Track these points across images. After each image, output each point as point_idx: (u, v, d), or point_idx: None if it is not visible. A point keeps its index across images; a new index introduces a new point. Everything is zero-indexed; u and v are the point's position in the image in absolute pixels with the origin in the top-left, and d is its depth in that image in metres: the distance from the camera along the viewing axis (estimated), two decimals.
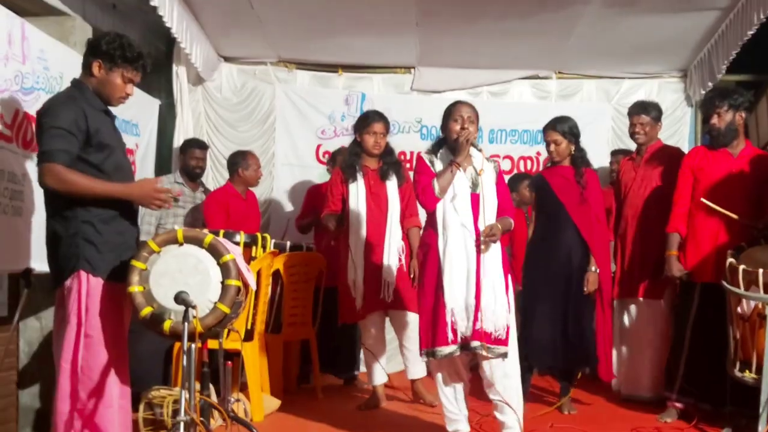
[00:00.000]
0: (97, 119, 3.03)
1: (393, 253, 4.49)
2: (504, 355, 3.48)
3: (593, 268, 4.37)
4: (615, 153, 5.81)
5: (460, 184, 3.56)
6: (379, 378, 4.66)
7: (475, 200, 3.56)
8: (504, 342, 3.48)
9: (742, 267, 3.51)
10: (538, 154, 6.30)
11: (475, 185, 3.58)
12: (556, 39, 5.67)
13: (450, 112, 3.70)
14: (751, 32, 4.83)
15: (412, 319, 4.44)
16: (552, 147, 4.46)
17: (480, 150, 3.69)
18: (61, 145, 2.91)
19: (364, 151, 4.58)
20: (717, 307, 4.00)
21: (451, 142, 3.67)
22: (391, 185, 4.56)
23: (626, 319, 4.79)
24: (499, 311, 3.48)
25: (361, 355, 5.09)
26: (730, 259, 3.65)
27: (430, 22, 5.44)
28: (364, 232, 4.50)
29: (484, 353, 3.44)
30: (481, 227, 3.51)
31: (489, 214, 3.55)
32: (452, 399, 3.63)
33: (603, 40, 5.67)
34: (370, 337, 4.62)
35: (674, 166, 4.39)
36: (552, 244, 4.40)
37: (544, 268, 4.40)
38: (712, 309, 4.06)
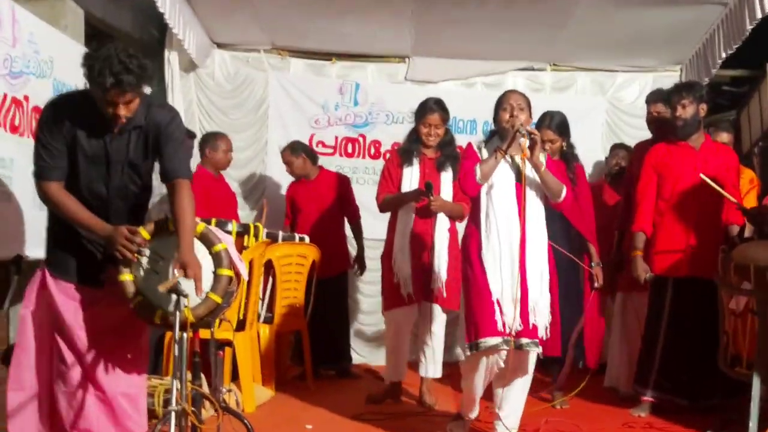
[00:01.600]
0: (85, 133, 2.87)
1: (442, 245, 4.39)
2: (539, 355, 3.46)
3: (597, 262, 4.40)
4: (616, 147, 5.76)
5: (504, 174, 3.49)
6: (393, 375, 4.59)
7: (519, 191, 3.46)
8: (541, 339, 3.44)
9: (734, 263, 3.53)
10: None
11: (519, 174, 3.47)
12: (551, 30, 5.65)
13: (500, 102, 3.63)
14: (752, 26, 4.82)
15: (444, 316, 4.44)
16: (547, 146, 4.38)
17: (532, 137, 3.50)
18: (48, 159, 2.86)
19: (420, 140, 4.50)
20: (691, 301, 4.05)
21: (501, 132, 3.58)
22: (446, 177, 4.47)
23: (628, 316, 4.79)
24: (542, 306, 3.45)
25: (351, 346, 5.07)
26: (723, 255, 3.67)
27: (424, 12, 5.41)
28: (412, 220, 4.43)
29: (531, 349, 3.39)
30: (528, 217, 3.42)
31: (534, 206, 3.48)
32: (478, 393, 3.58)
33: (598, 33, 5.65)
34: (396, 330, 4.50)
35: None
36: None
37: None
38: (687, 304, 4.11)
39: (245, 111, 6.26)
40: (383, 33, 5.87)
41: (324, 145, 6.24)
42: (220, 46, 6.22)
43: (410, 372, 4.75)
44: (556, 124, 4.45)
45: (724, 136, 4.83)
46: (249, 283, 4.23)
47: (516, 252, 3.40)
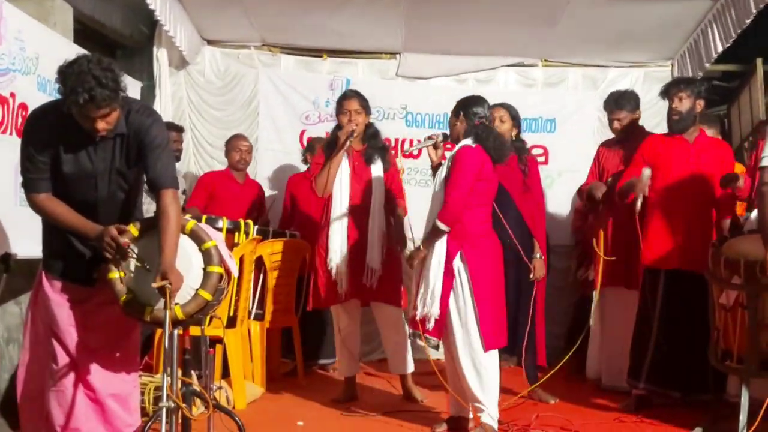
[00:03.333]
0: (68, 145, 2.86)
1: (376, 239, 4.34)
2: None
3: (539, 255, 4.38)
4: None
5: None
6: (351, 369, 4.54)
7: None
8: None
9: (724, 257, 3.53)
10: (523, 142, 6.28)
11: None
12: (542, 26, 5.65)
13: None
14: (749, 20, 4.83)
15: (397, 313, 4.42)
16: (496, 123, 4.35)
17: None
18: (34, 172, 2.87)
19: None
20: (683, 294, 4.06)
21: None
22: (376, 168, 4.42)
23: (609, 309, 4.80)
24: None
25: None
26: (713, 249, 3.67)
27: (415, 8, 5.40)
28: (347, 214, 4.35)
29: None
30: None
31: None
32: None
33: (589, 28, 5.65)
34: (344, 325, 4.47)
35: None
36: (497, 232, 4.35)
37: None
38: (679, 296, 4.12)
39: (235, 108, 6.24)
40: (374, 29, 5.86)
41: (308, 143, 6.22)
42: (210, 42, 6.19)
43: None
44: (509, 106, 4.49)
45: (710, 132, 4.85)
46: (239, 279, 4.22)
47: None
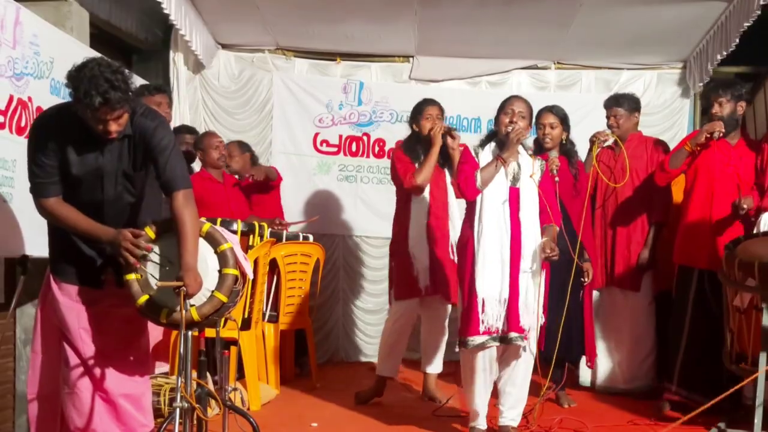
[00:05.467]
0: (75, 148, 2.87)
1: (455, 236, 4.32)
2: (524, 348, 3.59)
3: (588, 258, 4.42)
4: None
5: (497, 177, 3.61)
6: (390, 370, 4.52)
7: (513, 195, 3.61)
8: (527, 336, 3.57)
9: (738, 259, 3.52)
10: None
11: (515, 179, 3.63)
12: (555, 29, 5.65)
13: (503, 105, 3.74)
14: (748, 23, 4.82)
15: (446, 311, 4.46)
16: (547, 130, 4.41)
17: (529, 148, 3.76)
18: (43, 177, 2.88)
19: (422, 137, 4.45)
20: (713, 294, 4.03)
21: (500, 136, 3.69)
22: (449, 173, 4.48)
23: (607, 311, 4.80)
24: (531, 305, 3.56)
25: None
26: (727, 251, 3.66)
27: (428, 11, 5.41)
28: (426, 213, 4.41)
29: (519, 343, 3.55)
30: (522, 220, 3.57)
31: (528, 210, 3.61)
32: (481, 392, 3.65)
33: (602, 31, 5.64)
34: (401, 323, 4.44)
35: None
36: None
37: None
38: (709, 297, 4.09)
39: (250, 111, 6.27)
40: (388, 32, 5.88)
41: (328, 144, 6.25)
42: (224, 46, 6.23)
43: (410, 369, 4.76)
44: (557, 110, 4.49)
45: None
46: (254, 282, 4.25)
47: (507, 253, 3.55)
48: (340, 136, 6.29)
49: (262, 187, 5.33)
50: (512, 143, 3.60)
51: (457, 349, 3.67)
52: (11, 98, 3.56)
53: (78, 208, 2.92)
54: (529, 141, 4.00)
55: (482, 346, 3.54)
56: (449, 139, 4.31)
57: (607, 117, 4.85)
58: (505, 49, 6.10)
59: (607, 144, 4.75)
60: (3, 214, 3.53)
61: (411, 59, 6.35)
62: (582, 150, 4.74)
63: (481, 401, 3.65)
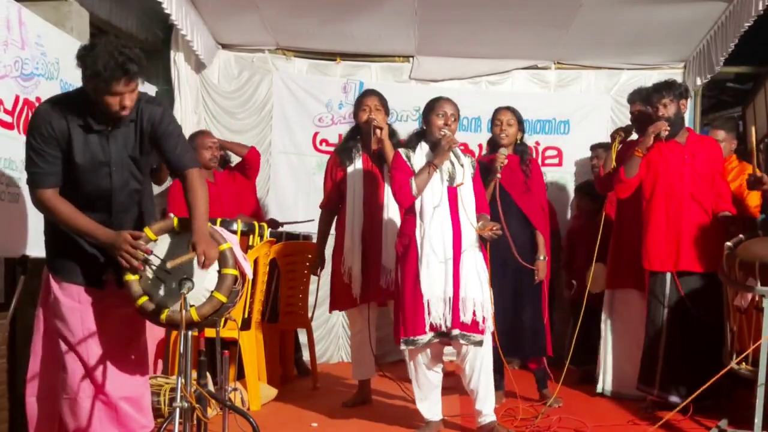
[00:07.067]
0: (80, 134, 2.86)
1: (391, 239, 4.25)
2: (479, 343, 3.63)
3: (542, 257, 4.40)
4: (595, 147, 5.75)
5: (435, 181, 3.67)
6: (366, 373, 4.51)
7: (452, 194, 3.67)
8: (480, 330, 3.62)
9: (738, 259, 3.52)
10: (537, 143, 6.29)
11: (451, 179, 3.69)
12: (555, 29, 5.65)
13: (433, 106, 3.76)
14: (748, 24, 4.82)
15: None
16: (504, 126, 4.41)
17: (460, 147, 3.78)
18: (42, 166, 2.85)
19: (361, 132, 4.40)
20: (689, 296, 4.04)
21: (430, 137, 3.74)
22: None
23: (618, 311, 4.78)
24: (476, 301, 3.61)
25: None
26: (728, 251, 3.66)
27: (428, 11, 5.42)
28: (361, 217, 4.35)
29: (462, 341, 3.60)
30: (462, 219, 3.62)
31: (468, 207, 3.66)
32: (427, 386, 3.75)
33: (602, 31, 5.65)
34: (358, 329, 4.44)
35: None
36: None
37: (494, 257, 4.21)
38: (685, 299, 4.09)
39: (249, 111, 6.28)
40: (388, 32, 5.88)
41: (328, 144, 6.26)
42: (224, 46, 6.24)
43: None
44: (515, 111, 4.49)
45: (720, 134, 4.82)
46: (254, 282, 4.25)
47: (450, 252, 3.61)
48: (340, 136, 6.26)
49: (242, 169, 5.31)
50: (443, 150, 3.65)
51: (402, 347, 3.69)
52: (17, 98, 3.56)
53: (84, 198, 2.90)
54: (483, 139, 3.94)
55: (429, 344, 3.65)
56: (377, 132, 4.23)
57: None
58: (505, 49, 6.10)
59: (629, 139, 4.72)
60: (7, 215, 3.53)
61: (411, 59, 6.36)
62: (582, 150, 4.73)
63: (428, 393, 3.76)
